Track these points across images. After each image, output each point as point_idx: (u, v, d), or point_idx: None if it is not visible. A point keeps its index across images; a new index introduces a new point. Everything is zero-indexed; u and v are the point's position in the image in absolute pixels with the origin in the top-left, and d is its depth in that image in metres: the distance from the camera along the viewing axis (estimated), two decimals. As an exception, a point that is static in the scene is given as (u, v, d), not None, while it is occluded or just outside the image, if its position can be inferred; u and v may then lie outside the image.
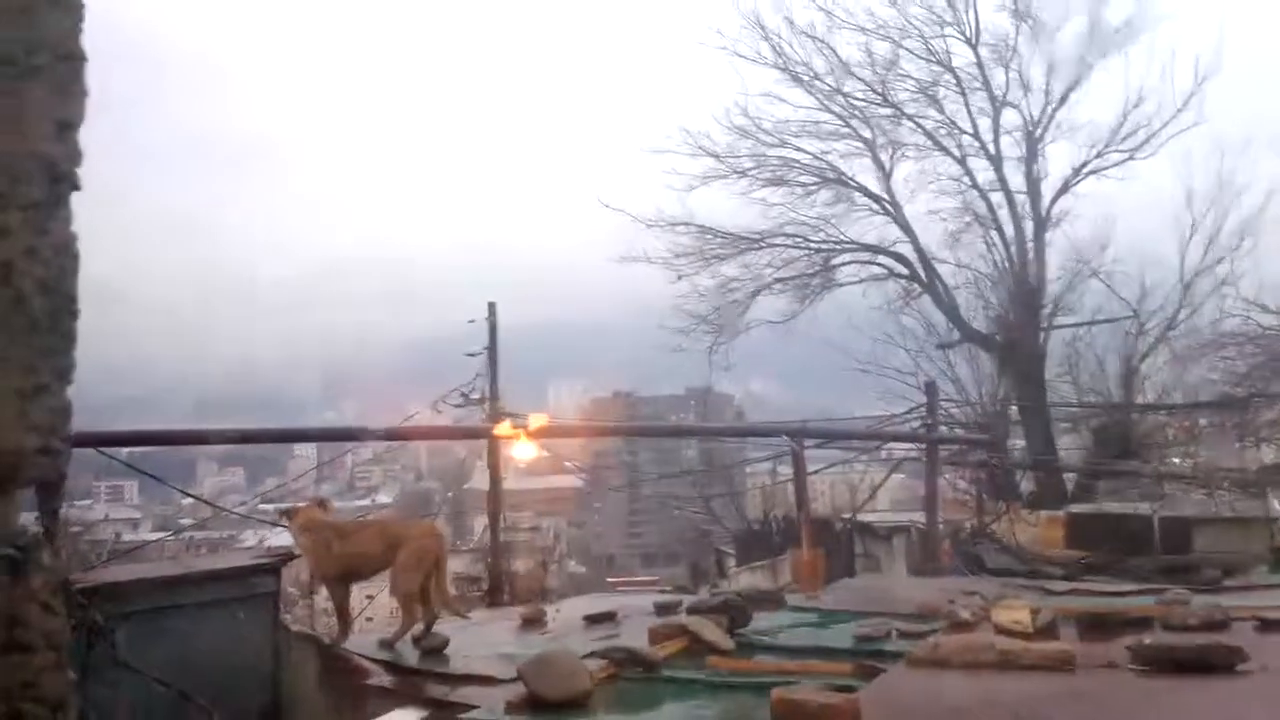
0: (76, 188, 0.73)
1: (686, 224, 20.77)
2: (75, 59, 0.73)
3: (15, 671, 0.66)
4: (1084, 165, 19.71)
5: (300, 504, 6.27)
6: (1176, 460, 16.92)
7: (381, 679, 5.21)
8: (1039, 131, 20.10)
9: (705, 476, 22.61)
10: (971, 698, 3.95)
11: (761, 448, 17.29)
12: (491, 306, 19.28)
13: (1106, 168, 19.67)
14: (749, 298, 20.90)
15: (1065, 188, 19.96)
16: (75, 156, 0.72)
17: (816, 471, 13.02)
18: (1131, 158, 19.44)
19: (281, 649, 6.77)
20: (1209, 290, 18.34)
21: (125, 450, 9.54)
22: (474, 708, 4.23)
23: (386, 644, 5.68)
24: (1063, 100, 19.98)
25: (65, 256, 0.71)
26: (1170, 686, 3.96)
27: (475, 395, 18.53)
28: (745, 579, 13.27)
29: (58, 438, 0.69)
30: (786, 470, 14.29)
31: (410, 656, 5.50)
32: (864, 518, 14.11)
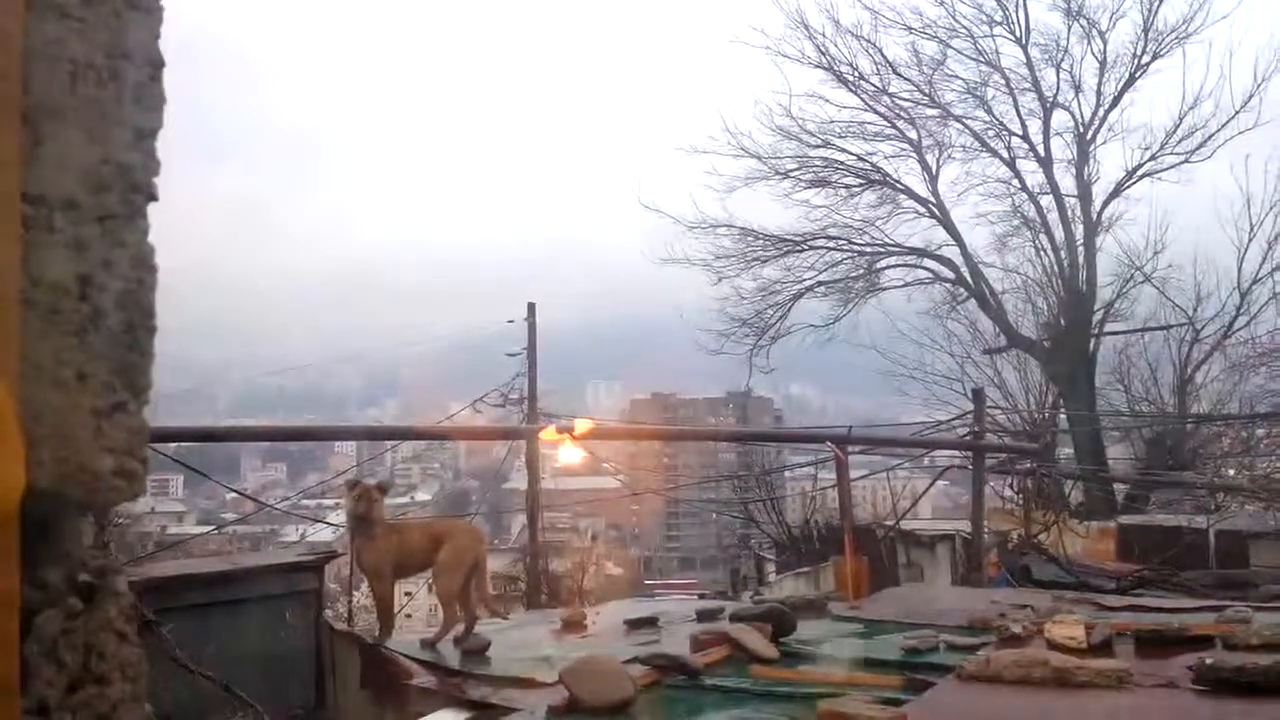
0: (154, 198, 0.71)
1: (728, 225, 20.72)
2: (155, 65, 0.71)
3: (92, 704, 0.65)
4: (1137, 168, 19.31)
5: (365, 479, 6.28)
6: (1232, 472, 16.48)
7: (424, 679, 5.21)
8: (1090, 133, 19.71)
9: (744, 481, 22.51)
10: (1023, 715, 3.85)
11: (803, 453, 17.14)
12: (531, 307, 19.43)
13: (1161, 171, 19.26)
14: (791, 301, 20.79)
15: (1117, 191, 19.55)
16: (153, 166, 0.71)
17: (859, 479, 12.87)
18: (1187, 160, 18.99)
19: (324, 646, 6.85)
20: (1267, 297, 17.89)
21: (172, 445, 9.63)
22: (516, 710, 4.21)
23: (428, 644, 5.70)
24: (1115, 101, 19.59)
25: (143, 269, 0.69)
26: (1234, 709, 3.82)
27: (514, 395, 18.68)
28: (787, 585, 13.16)
29: (135, 459, 0.67)
30: (828, 476, 14.18)
31: (452, 657, 5.51)
32: (906, 525, 13.93)
